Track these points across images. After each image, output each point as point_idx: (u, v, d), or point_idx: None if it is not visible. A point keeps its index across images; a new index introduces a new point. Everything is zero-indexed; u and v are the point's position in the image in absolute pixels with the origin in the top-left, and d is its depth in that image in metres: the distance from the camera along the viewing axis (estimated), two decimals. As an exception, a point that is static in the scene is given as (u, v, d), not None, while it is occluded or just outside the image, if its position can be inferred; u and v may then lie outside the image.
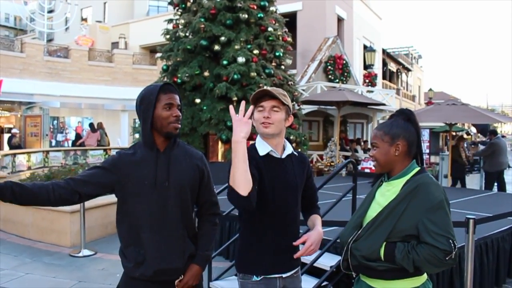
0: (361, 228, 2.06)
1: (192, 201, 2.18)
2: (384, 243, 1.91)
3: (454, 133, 17.70)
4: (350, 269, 2.05)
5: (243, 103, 1.97)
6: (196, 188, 2.17)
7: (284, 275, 2.18)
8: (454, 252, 1.82)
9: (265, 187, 2.11)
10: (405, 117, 2.09)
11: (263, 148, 2.18)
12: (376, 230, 1.93)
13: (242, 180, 1.87)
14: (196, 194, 2.19)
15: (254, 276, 2.15)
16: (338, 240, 2.22)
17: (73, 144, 17.63)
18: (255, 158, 2.13)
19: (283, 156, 2.22)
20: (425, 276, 1.99)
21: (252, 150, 2.17)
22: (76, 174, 2.07)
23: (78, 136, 18.39)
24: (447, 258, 1.82)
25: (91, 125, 16.95)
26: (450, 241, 1.82)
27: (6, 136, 19.62)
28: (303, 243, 2.09)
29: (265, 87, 2.21)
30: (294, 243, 2.08)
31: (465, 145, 11.35)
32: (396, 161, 2.02)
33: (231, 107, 1.97)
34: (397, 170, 2.03)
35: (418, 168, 2.04)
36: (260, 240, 2.15)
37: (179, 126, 2.09)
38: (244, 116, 1.92)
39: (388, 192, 2.02)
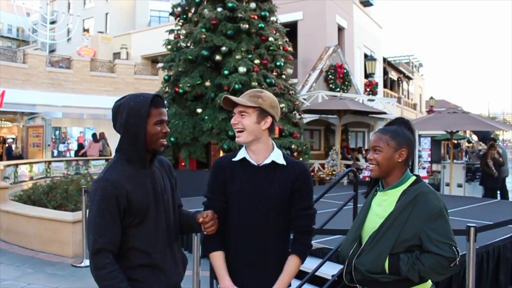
0: (360, 240, 2.06)
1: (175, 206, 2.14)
2: (388, 256, 1.91)
3: (455, 141, 17.70)
4: (354, 282, 2.05)
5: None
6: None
7: None
8: (458, 259, 1.85)
9: (232, 194, 2.00)
10: (406, 126, 2.09)
11: (240, 153, 2.05)
12: (379, 243, 1.94)
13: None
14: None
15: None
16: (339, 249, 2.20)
17: (76, 154, 17.68)
18: (223, 167, 2.04)
19: (261, 164, 2.02)
20: (429, 282, 1.99)
21: (226, 158, 2.09)
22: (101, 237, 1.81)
23: (80, 146, 18.45)
24: (451, 265, 1.84)
25: (93, 135, 17.01)
26: (453, 248, 1.84)
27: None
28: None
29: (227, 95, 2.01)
30: None
31: (497, 153, 10.45)
32: (396, 168, 2.02)
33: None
34: (393, 177, 2.04)
35: (414, 178, 2.04)
36: (228, 250, 2.03)
37: (166, 142, 1.96)
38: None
39: (385, 202, 2.03)
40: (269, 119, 2.01)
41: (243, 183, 1.99)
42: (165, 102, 10.85)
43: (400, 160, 2.01)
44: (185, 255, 2.20)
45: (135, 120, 1.85)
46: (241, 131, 1.98)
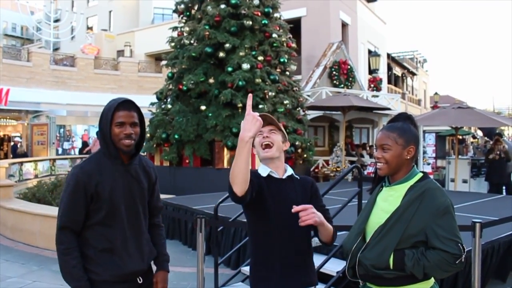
0: (364, 235, 2.05)
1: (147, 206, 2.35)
2: (393, 251, 1.90)
3: (460, 137, 17.63)
4: (357, 277, 2.04)
5: (250, 96, 1.94)
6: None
7: None
8: (463, 256, 1.83)
9: (268, 206, 2.16)
10: (411, 121, 2.08)
11: (263, 171, 2.25)
12: (384, 238, 1.92)
13: (240, 179, 1.92)
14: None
15: None
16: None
17: (80, 152, 17.72)
18: (259, 178, 2.19)
19: (284, 177, 2.26)
20: (432, 280, 1.98)
21: (255, 172, 2.25)
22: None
23: (84, 144, 18.50)
24: (456, 262, 1.82)
25: (98, 133, 17.05)
26: (459, 244, 1.83)
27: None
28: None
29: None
30: (293, 210, 2.04)
31: (505, 147, 10.43)
32: (405, 165, 2.02)
33: (250, 96, 1.95)
34: (401, 174, 2.03)
35: (421, 174, 2.03)
36: (267, 258, 2.19)
37: (132, 143, 2.15)
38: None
39: (391, 197, 2.02)
40: (288, 144, 2.35)
41: (274, 195, 2.19)
42: (169, 99, 11.02)
43: (408, 157, 2.01)
44: (154, 250, 2.36)
45: (103, 121, 2.15)
46: (271, 146, 2.22)
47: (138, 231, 2.22)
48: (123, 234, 2.15)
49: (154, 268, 2.38)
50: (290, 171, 2.30)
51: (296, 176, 2.33)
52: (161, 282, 2.32)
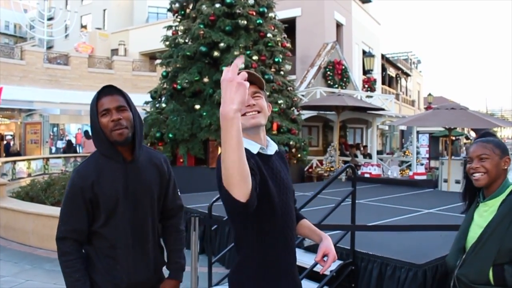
0: (464, 251, 2.07)
1: (159, 207, 2.11)
2: (492, 266, 1.90)
3: (453, 138, 17.72)
4: None
5: (239, 58, 1.34)
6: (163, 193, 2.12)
7: None
8: None
9: (272, 196, 1.65)
10: (496, 138, 2.16)
11: (252, 146, 1.67)
12: (480, 253, 1.94)
13: (237, 176, 1.30)
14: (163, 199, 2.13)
15: None
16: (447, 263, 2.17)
17: (65, 151, 17.68)
18: (252, 155, 1.62)
19: (271, 153, 1.75)
20: None
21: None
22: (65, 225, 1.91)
23: (69, 143, 18.56)
24: None
25: (85, 132, 17.08)
26: None
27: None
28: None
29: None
30: (317, 259, 1.75)
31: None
32: (501, 175, 2.06)
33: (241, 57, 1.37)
34: (495, 185, 2.06)
35: None
36: (269, 260, 1.69)
37: (124, 130, 1.89)
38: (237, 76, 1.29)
39: (485, 213, 2.04)
40: (270, 106, 1.81)
41: (272, 179, 1.69)
42: (163, 98, 10.99)
43: (506, 167, 2.06)
44: (162, 257, 2.17)
45: (92, 118, 1.94)
46: (258, 112, 1.68)
47: (143, 237, 1.98)
48: (125, 241, 1.91)
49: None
50: (274, 145, 1.81)
51: (276, 148, 1.83)
52: None
